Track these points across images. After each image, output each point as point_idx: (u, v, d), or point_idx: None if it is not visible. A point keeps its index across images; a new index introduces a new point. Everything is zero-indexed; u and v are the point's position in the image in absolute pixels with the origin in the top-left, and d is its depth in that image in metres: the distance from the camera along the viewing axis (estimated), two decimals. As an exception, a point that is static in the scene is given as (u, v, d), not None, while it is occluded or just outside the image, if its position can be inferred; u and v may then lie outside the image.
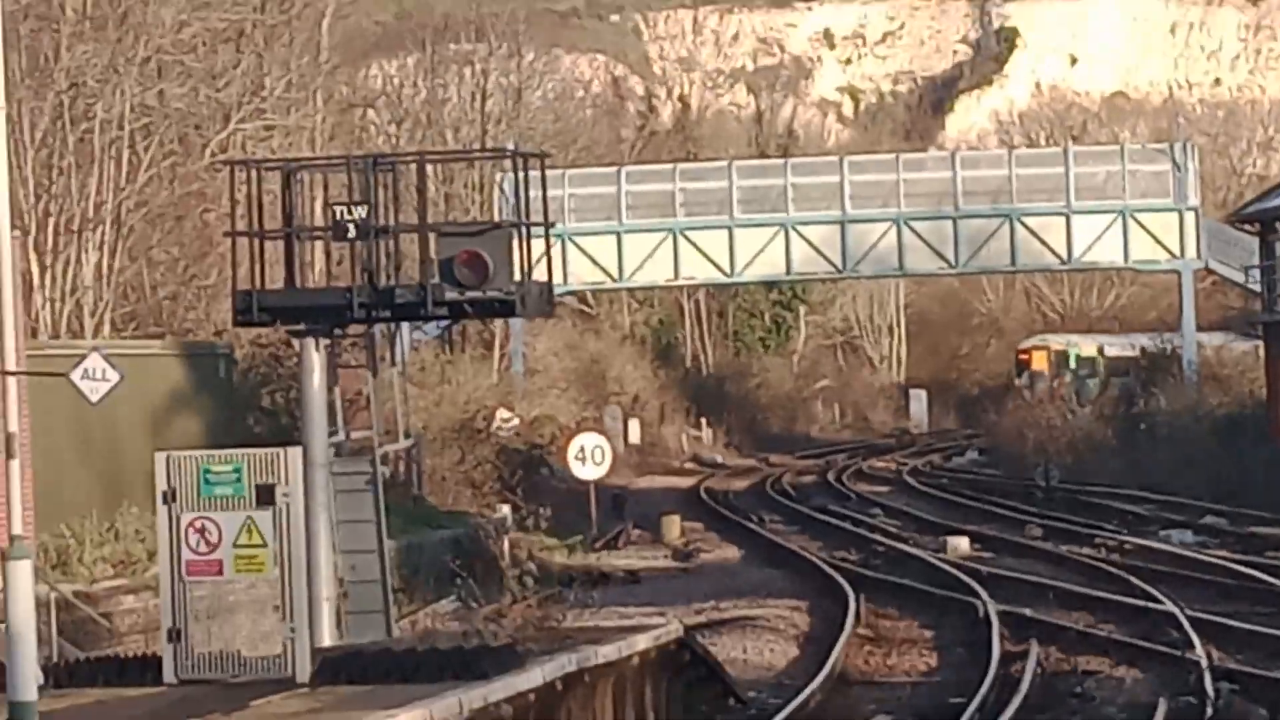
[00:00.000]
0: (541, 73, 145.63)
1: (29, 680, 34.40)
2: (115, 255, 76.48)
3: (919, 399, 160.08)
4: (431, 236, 47.20)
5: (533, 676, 39.07)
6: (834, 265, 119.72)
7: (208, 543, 40.23)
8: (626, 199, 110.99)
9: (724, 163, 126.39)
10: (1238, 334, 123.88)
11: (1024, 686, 46.67)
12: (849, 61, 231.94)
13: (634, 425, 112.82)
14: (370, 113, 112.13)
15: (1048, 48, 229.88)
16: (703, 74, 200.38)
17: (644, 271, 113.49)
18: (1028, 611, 58.44)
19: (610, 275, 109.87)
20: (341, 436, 46.05)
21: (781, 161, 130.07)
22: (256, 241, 45.27)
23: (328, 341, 47.51)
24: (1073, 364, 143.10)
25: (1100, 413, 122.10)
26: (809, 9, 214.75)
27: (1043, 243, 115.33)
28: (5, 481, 37.80)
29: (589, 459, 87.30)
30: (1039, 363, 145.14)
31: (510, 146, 67.22)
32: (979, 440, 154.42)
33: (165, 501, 39.52)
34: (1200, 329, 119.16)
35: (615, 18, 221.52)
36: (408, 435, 61.17)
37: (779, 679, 52.98)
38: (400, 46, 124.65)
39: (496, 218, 51.83)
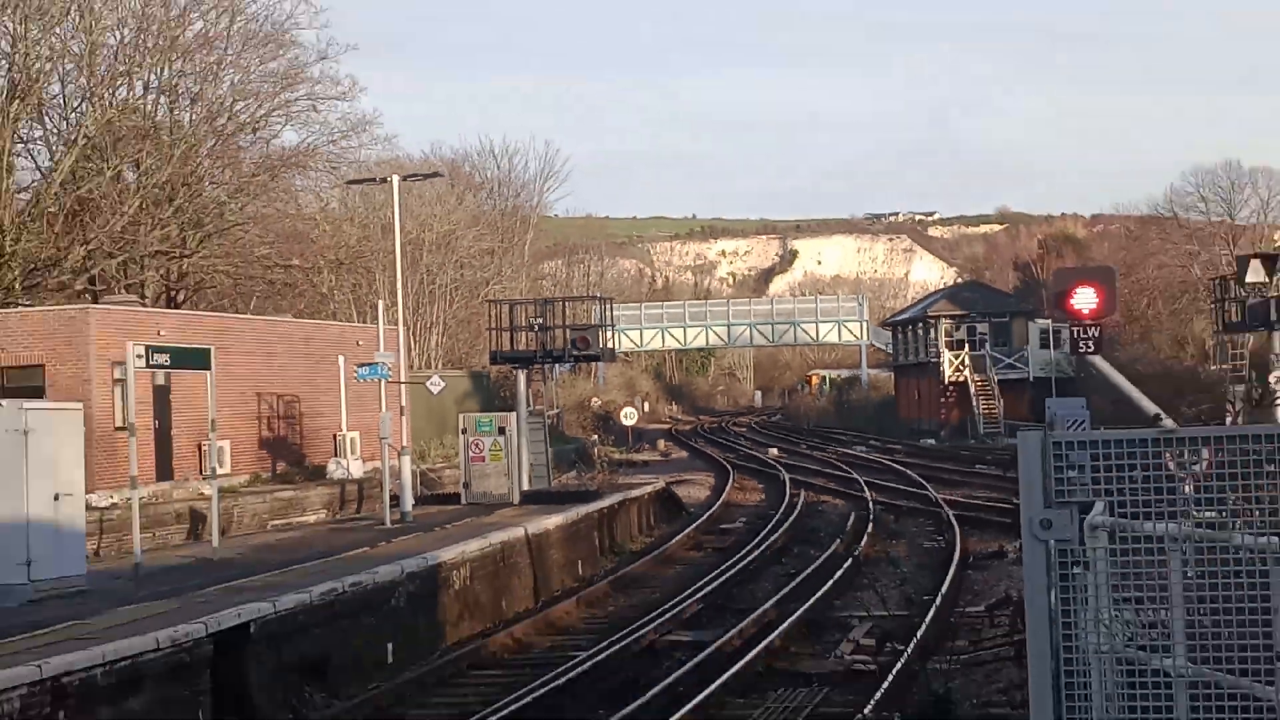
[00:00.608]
0: (610, 267, 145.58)
1: (409, 501, 34.59)
2: (443, 336, 75.98)
3: (758, 395, 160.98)
4: (567, 330, 47.86)
5: (606, 502, 39.53)
6: (724, 341, 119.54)
7: (479, 449, 40.43)
8: (643, 316, 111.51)
9: (681, 303, 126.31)
10: (884, 369, 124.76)
11: (798, 507, 46.52)
12: (731, 262, 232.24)
13: (645, 405, 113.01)
14: (543, 282, 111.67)
15: (810, 258, 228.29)
16: (675, 267, 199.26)
17: (650, 344, 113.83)
18: (799, 478, 58.10)
19: (636, 345, 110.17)
20: (531, 408, 47.00)
21: (704, 302, 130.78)
22: (500, 332, 46.11)
23: (526, 370, 48.33)
24: (826, 382, 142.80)
25: (830, 400, 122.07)
26: (716, 242, 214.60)
27: (808, 334, 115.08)
28: (400, 427, 38.04)
29: (628, 417, 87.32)
30: (814, 380, 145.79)
31: (598, 295, 67.25)
32: (783, 411, 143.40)
33: (462, 433, 40.02)
34: (870, 368, 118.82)
35: (641, 245, 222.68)
36: (555, 409, 61.54)
37: (702, 504, 51.50)
38: (556, 255, 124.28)
39: (594, 321, 51.48)
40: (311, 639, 20.85)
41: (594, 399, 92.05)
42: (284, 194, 61.29)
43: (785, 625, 24.56)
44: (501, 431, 40.64)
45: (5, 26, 52.64)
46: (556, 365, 56.31)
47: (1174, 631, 8.10)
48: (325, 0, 68.83)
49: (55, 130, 55.63)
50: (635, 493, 44.84)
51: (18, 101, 53.11)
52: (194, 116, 57.29)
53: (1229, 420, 48.18)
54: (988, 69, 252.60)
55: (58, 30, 54.47)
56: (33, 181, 54.56)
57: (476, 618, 26.19)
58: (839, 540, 37.54)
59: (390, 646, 22.70)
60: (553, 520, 33.37)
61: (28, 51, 53.27)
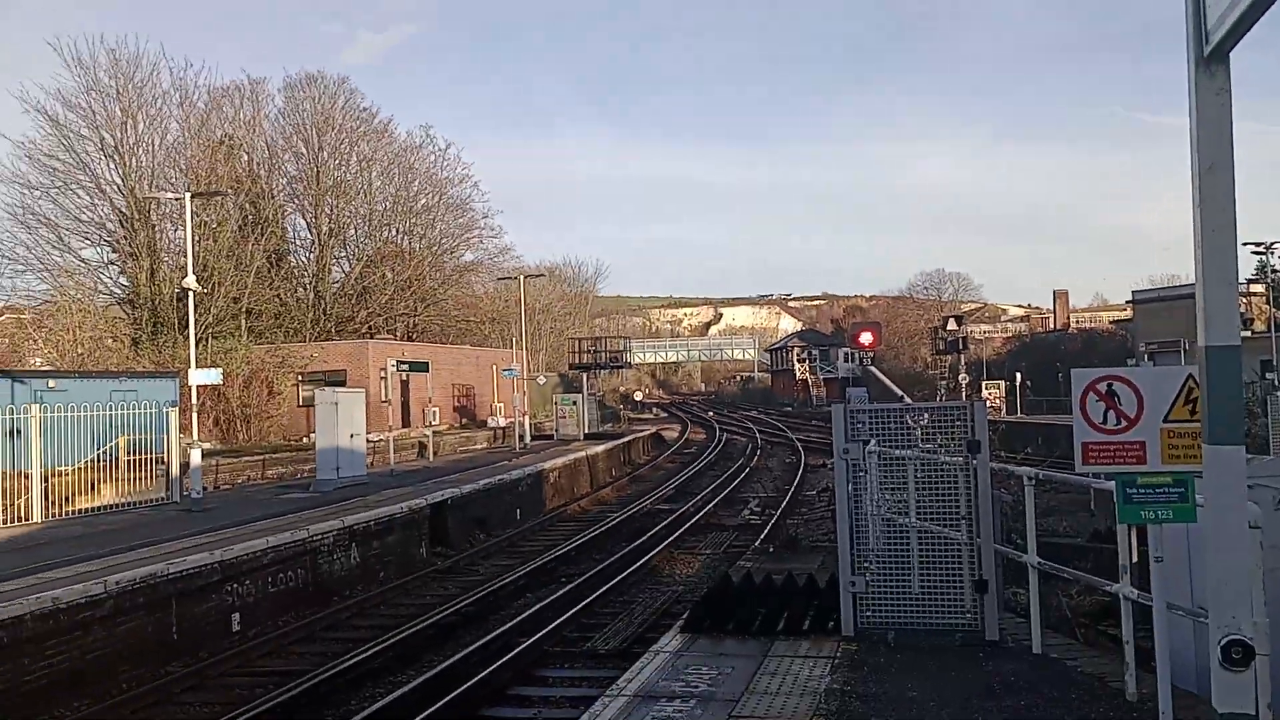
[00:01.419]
0: (627, 321, 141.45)
1: (528, 437, 33.33)
2: (544, 354, 73.88)
3: (703, 385, 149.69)
4: (607, 352, 47.49)
5: (626, 439, 38.98)
6: (686, 359, 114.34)
7: (563, 412, 39.81)
8: (645, 346, 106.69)
9: (664, 339, 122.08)
10: (766, 373, 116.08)
11: (723, 441, 45.70)
12: (689, 318, 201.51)
13: (647, 390, 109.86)
14: (595, 328, 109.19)
15: (729, 317, 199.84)
16: (661, 321, 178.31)
17: (648, 360, 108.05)
18: (723, 427, 56.57)
19: (641, 360, 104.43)
20: (590, 391, 45.91)
21: (675, 339, 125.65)
22: (575, 353, 45.19)
23: (588, 372, 47.49)
24: (738, 380, 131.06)
25: (739, 388, 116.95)
26: (682, 309, 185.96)
27: (727, 355, 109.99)
28: (524, 401, 37.27)
29: (638, 395, 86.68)
30: (734, 380, 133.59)
31: (623, 336, 67.11)
32: (715, 394, 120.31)
33: (556, 404, 39.07)
34: (758, 373, 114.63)
35: (643, 310, 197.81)
36: (601, 392, 60.28)
37: (674, 440, 48.76)
38: (602, 315, 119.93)
39: (621, 348, 51.22)
40: (479, 506, 20.82)
41: (621, 387, 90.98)
42: (466, 285, 61.41)
43: (715, 501, 24.54)
44: (575, 403, 40.53)
45: (329, 200, 52.90)
46: (602, 370, 55.96)
47: (910, 504, 8.17)
48: (487, 186, 68.12)
49: (351, 253, 55.69)
50: (641, 434, 44.58)
51: (333, 238, 53.40)
52: (421, 245, 57.27)
53: (938, 399, 47.96)
54: (800, 215, 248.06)
55: (354, 203, 54.77)
56: (339, 278, 54.60)
57: (562, 496, 26.11)
58: (742, 458, 37.44)
59: (518, 511, 22.66)
60: (600, 448, 33.27)
61: (339, 212, 53.64)
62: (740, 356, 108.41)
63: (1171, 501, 5.05)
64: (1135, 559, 5.99)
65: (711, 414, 73.57)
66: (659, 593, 14.23)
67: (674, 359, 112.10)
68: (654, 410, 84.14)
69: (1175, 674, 5.29)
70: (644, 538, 18.87)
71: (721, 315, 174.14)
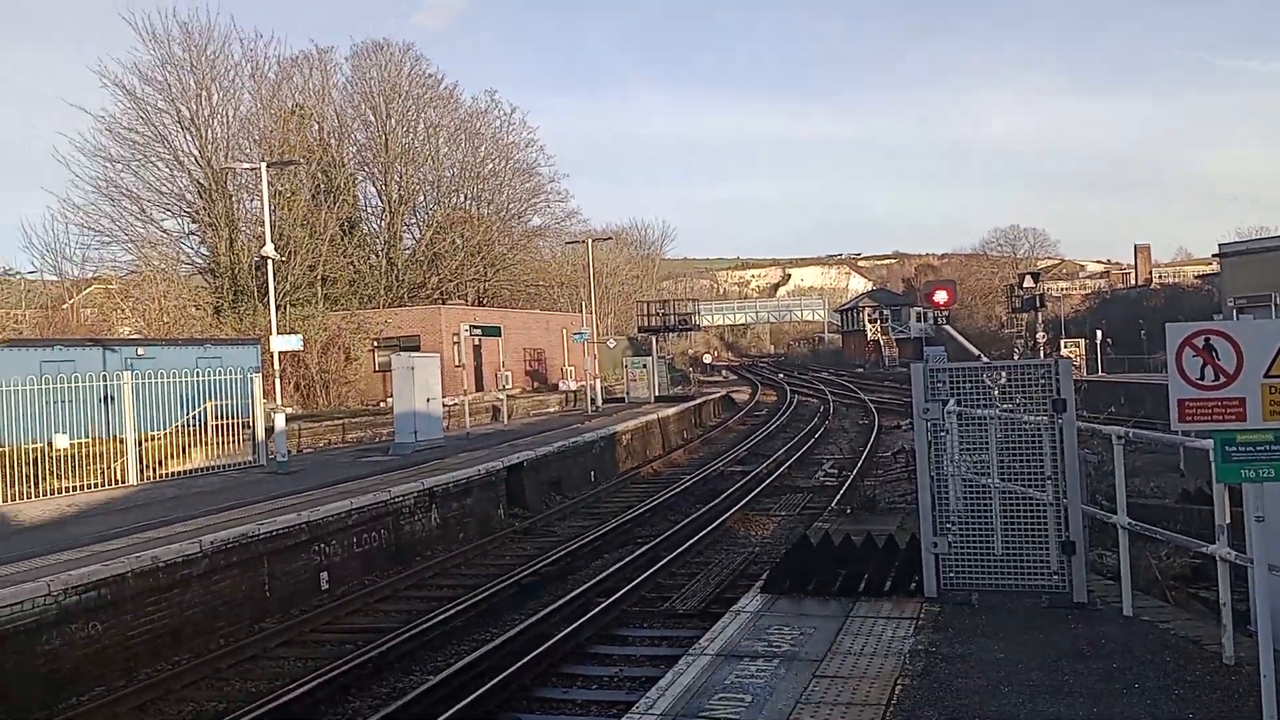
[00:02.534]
0: (695, 284, 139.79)
1: (599, 401, 33.61)
2: (613, 318, 73.99)
3: (771, 348, 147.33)
4: (675, 315, 47.18)
5: (696, 401, 38.79)
6: (754, 320, 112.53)
7: (634, 375, 39.91)
8: (713, 309, 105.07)
9: (732, 301, 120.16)
10: (836, 334, 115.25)
11: (794, 403, 45.51)
12: (756, 279, 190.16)
13: (715, 352, 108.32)
14: (663, 290, 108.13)
15: (798, 278, 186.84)
16: (729, 283, 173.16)
17: (716, 322, 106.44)
18: (794, 388, 56.32)
19: (709, 322, 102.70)
20: (659, 354, 45.87)
21: (744, 300, 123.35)
22: (644, 316, 45.10)
23: (656, 335, 47.35)
24: (809, 341, 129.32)
25: (810, 350, 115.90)
26: (749, 270, 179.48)
27: (797, 316, 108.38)
28: (594, 365, 37.33)
29: (707, 358, 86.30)
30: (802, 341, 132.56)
31: (691, 299, 66.20)
32: (784, 356, 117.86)
33: (626, 367, 39.27)
34: (829, 333, 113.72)
35: (710, 272, 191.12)
36: (670, 355, 60.20)
37: (745, 402, 49.12)
38: (669, 279, 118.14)
39: (689, 310, 50.45)
40: (554, 468, 21.06)
41: (690, 349, 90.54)
42: (535, 249, 61.72)
43: (789, 463, 24.47)
44: (645, 366, 40.63)
45: (398, 167, 53.52)
46: (671, 333, 55.79)
47: (991, 465, 8.08)
48: (552, 149, 68.18)
49: (421, 219, 56.38)
50: (711, 396, 44.49)
51: (403, 205, 54.12)
52: (489, 211, 57.72)
53: (1015, 358, 46.95)
54: (868, 172, 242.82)
55: (423, 170, 55.38)
56: (410, 244, 55.35)
57: (634, 458, 26.28)
58: (815, 419, 37.20)
59: (592, 473, 22.88)
60: (671, 410, 33.33)
61: (408, 179, 54.29)
62: (809, 317, 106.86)
63: (1274, 460, 4.92)
64: (1230, 520, 5.85)
65: (781, 376, 72.99)
66: (735, 554, 14.30)
67: (742, 321, 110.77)
68: (723, 373, 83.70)
69: (1275, 636, 5.17)
70: (718, 499, 18.94)
71: (790, 276, 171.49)
